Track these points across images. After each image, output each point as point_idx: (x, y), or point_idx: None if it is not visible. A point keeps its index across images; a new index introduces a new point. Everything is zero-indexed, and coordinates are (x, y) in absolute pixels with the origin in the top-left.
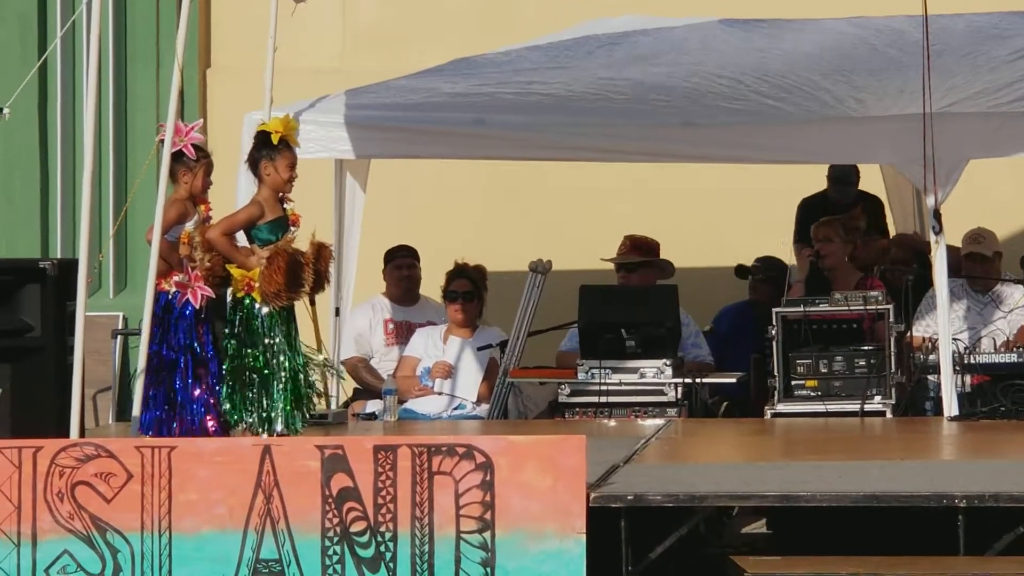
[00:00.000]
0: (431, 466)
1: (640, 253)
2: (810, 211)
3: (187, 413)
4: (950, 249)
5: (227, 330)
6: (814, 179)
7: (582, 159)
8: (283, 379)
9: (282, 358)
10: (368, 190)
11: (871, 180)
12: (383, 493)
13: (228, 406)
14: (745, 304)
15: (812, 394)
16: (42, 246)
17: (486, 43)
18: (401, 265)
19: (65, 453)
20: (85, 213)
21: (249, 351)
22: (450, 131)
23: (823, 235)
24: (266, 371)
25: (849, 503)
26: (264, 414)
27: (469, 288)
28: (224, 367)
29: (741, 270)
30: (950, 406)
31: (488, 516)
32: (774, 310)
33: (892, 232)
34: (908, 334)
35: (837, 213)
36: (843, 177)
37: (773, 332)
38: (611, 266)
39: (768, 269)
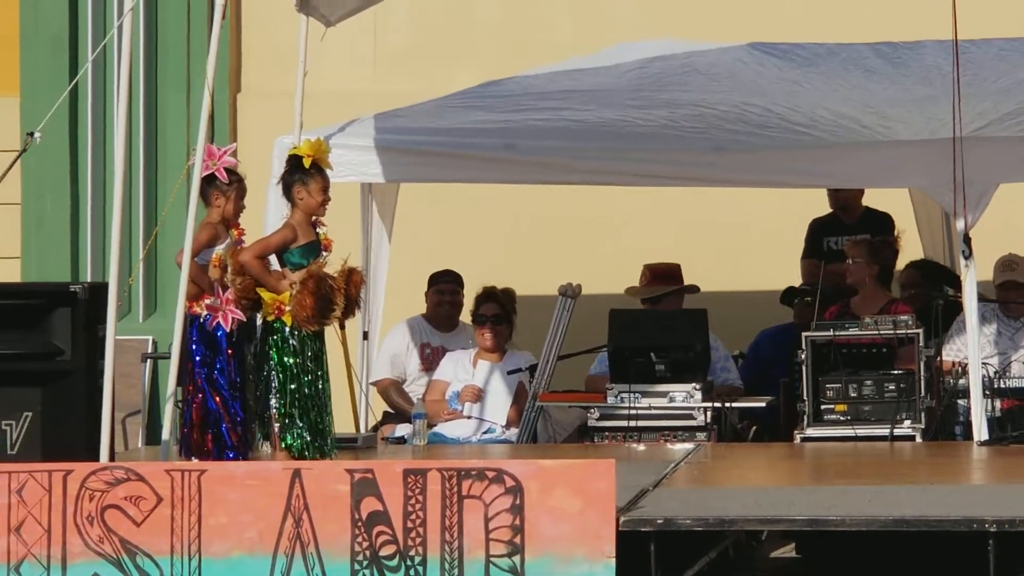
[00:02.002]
0: (461, 490)
1: (661, 282)
2: (820, 230)
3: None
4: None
5: (260, 353)
6: None
7: (612, 184)
8: (312, 402)
9: (310, 380)
10: (397, 214)
11: (898, 202)
12: (413, 517)
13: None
14: (785, 327)
15: (841, 418)
16: (72, 269)
17: (517, 66)
18: (444, 291)
19: (95, 477)
20: (115, 236)
21: (283, 375)
22: (480, 155)
23: (850, 254)
24: (297, 393)
25: (878, 527)
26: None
27: (498, 312)
28: (277, 394)
29: (788, 294)
30: (980, 430)
31: (518, 540)
32: (803, 334)
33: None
34: (938, 358)
35: (846, 232)
36: (845, 204)
37: (803, 356)
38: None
39: (815, 293)
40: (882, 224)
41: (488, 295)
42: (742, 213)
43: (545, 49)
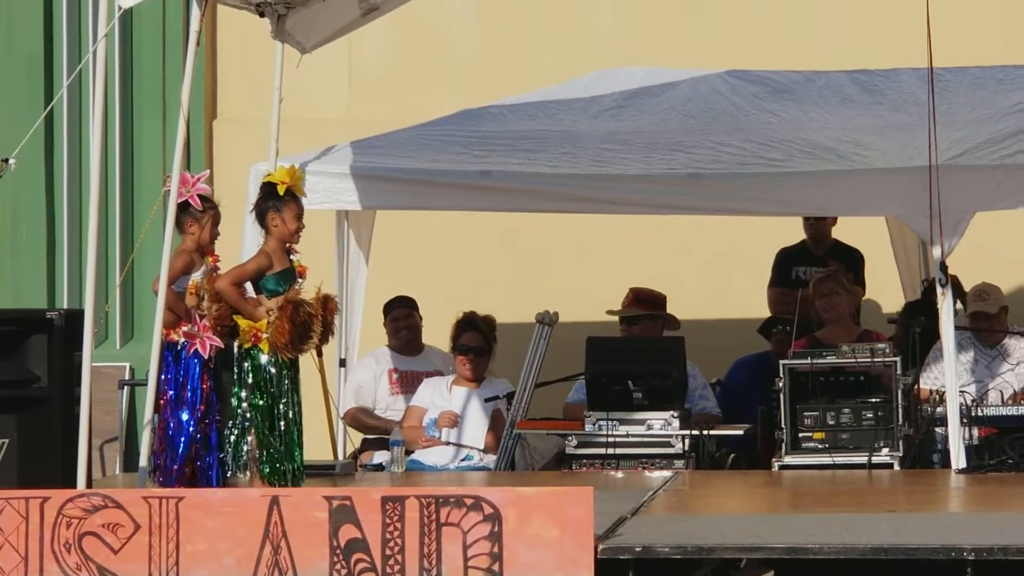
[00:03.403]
0: (439, 517)
1: (643, 306)
2: (788, 259)
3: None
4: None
5: (236, 380)
6: None
7: (588, 211)
8: (289, 429)
9: (285, 408)
10: (373, 241)
11: (873, 232)
12: (391, 544)
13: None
14: (760, 356)
15: (819, 446)
16: (48, 296)
17: (494, 93)
18: (399, 316)
19: (72, 504)
20: (91, 263)
21: (260, 402)
22: (456, 183)
23: (828, 289)
24: (272, 420)
25: (856, 555)
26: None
27: (480, 343)
28: (243, 418)
29: (768, 324)
30: (958, 458)
31: (496, 567)
32: (781, 362)
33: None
34: (915, 386)
35: (814, 263)
36: (819, 235)
37: (780, 384)
38: (618, 318)
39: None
40: (850, 257)
41: (469, 322)
42: (721, 242)
43: (522, 76)
